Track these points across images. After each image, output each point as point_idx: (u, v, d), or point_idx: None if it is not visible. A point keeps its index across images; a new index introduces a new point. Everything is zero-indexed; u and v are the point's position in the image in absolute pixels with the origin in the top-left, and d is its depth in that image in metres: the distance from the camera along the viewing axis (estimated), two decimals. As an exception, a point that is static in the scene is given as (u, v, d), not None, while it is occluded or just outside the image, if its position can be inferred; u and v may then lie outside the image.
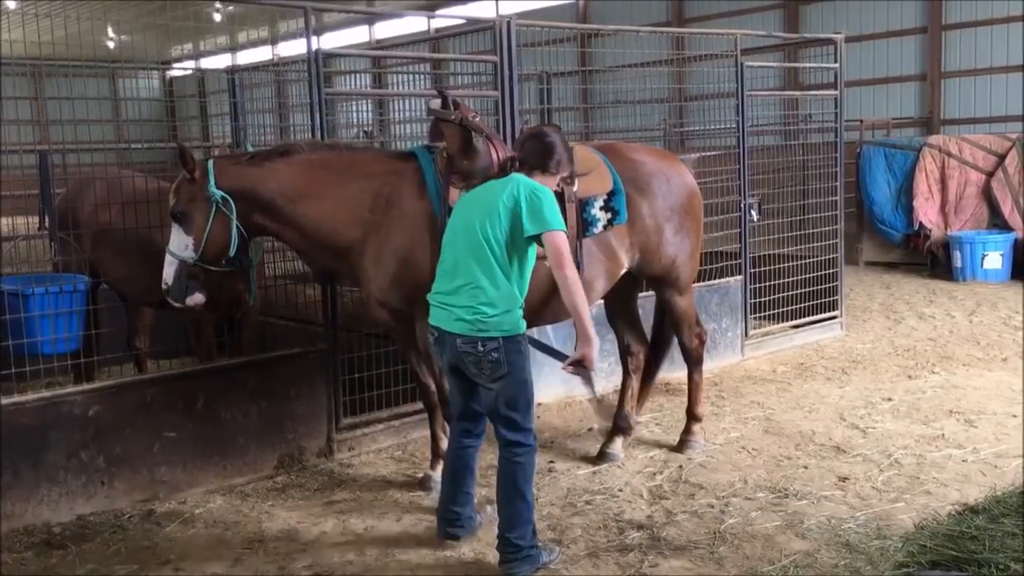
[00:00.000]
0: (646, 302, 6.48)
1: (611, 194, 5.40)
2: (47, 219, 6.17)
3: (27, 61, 6.70)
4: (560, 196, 5.18)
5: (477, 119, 5.11)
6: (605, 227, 5.37)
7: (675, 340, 6.20)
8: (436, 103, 5.23)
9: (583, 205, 5.29)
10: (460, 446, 4.60)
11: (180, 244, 4.94)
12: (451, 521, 4.64)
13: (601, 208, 5.35)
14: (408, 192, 5.01)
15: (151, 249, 5.96)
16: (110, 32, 23.13)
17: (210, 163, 4.98)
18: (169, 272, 4.96)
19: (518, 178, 4.33)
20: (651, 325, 6.34)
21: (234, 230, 4.93)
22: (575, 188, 5.23)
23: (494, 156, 4.97)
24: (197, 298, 5.00)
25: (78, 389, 5.24)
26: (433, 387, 5.32)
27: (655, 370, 6.31)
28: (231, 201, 4.89)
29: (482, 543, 4.68)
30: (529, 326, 6.28)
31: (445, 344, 4.32)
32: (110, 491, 5.23)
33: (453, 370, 4.41)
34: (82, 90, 6.26)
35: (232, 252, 4.97)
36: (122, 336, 7.00)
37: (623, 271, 5.63)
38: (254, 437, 5.71)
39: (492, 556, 4.52)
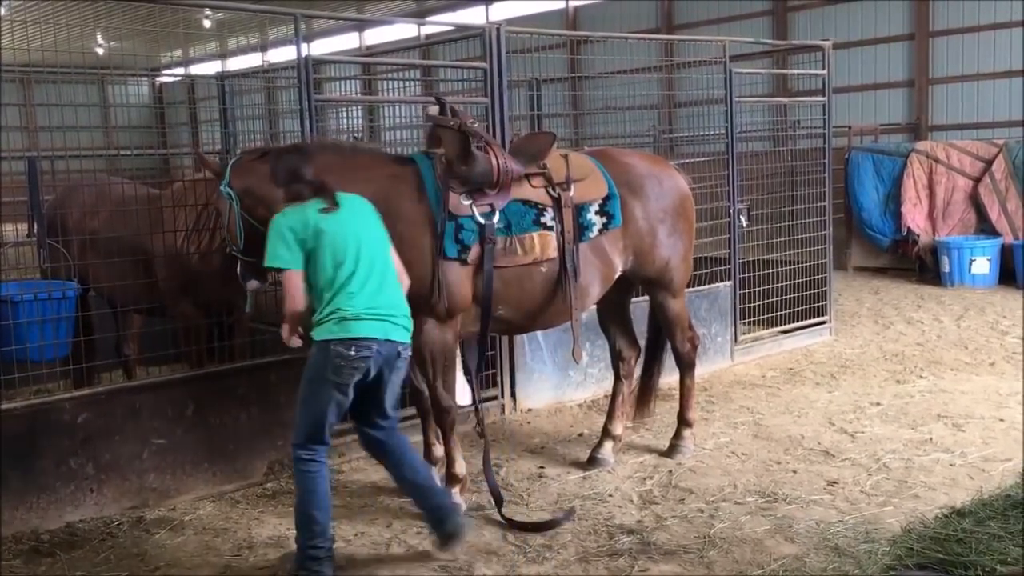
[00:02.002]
0: (637, 307, 6.50)
1: (606, 199, 5.44)
2: (35, 225, 6.16)
3: (16, 67, 6.67)
4: (557, 201, 5.23)
5: (476, 125, 5.15)
6: (600, 231, 5.41)
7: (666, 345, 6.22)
8: (434, 109, 5.25)
9: (579, 210, 5.32)
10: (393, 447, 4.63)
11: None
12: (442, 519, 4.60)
13: (596, 212, 5.39)
14: (407, 196, 5.03)
15: (140, 255, 5.96)
16: (99, 39, 23.10)
17: (231, 162, 5.15)
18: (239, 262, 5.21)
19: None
20: (646, 333, 6.34)
21: (238, 223, 4.99)
22: (571, 194, 5.27)
23: (493, 162, 5.00)
24: (252, 284, 5.15)
25: (67, 396, 5.23)
26: (426, 392, 5.33)
27: (655, 376, 6.28)
28: (234, 197, 4.99)
29: (472, 549, 4.69)
30: (526, 331, 6.35)
31: (383, 354, 4.33)
32: (99, 498, 5.21)
33: (373, 382, 4.39)
34: (71, 96, 6.25)
35: (240, 244, 5.02)
36: (111, 343, 6.97)
37: (617, 274, 5.65)
38: (244, 444, 5.70)
39: (482, 563, 4.53)
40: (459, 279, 4.96)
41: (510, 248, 5.09)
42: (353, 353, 4.26)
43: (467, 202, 4.99)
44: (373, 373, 4.34)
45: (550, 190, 5.25)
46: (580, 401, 7.32)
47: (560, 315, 5.39)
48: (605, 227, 5.42)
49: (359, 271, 4.34)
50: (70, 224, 6.42)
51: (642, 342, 6.28)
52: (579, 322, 5.36)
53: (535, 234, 5.15)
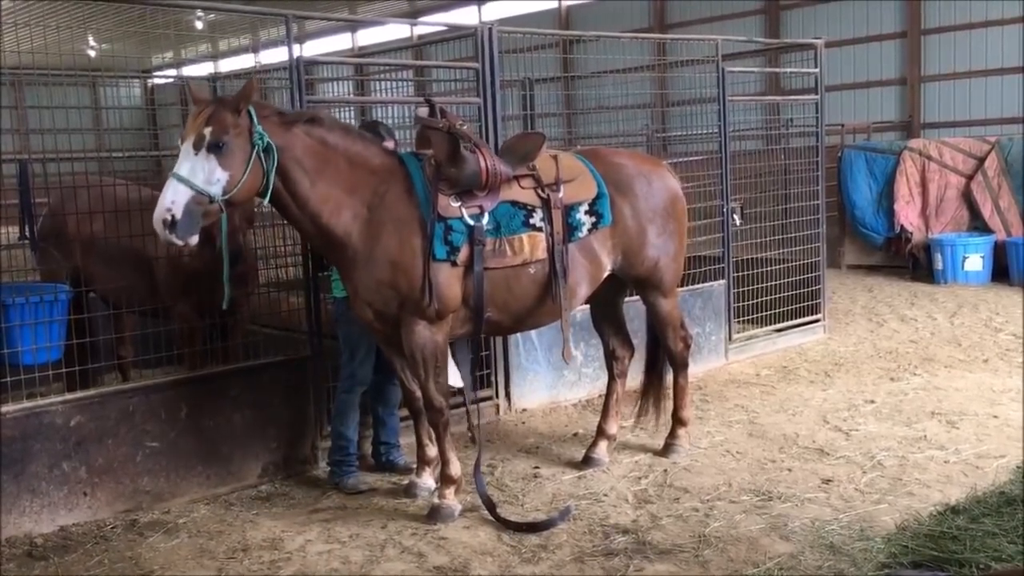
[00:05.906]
0: (631, 307, 6.49)
1: (595, 198, 5.44)
2: (27, 228, 6.13)
3: (7, 70, 6.65)
4: (546, 202, 5.22)
5: (465, 127, 5.13)
6: (589, 231, 5.41)
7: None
8: (423, 111, 5.22)
9: (568, 210, 5.32)
10: None
11: (208, 176, 4.48)
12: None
13: (586, 212, 5.39)
14: (399, 195, 5.01)
15: (142, 257, 5.92)
16: (91, 41, 23.01)
17: (251, 107, 4.67)
18: (179, 202, 4.40)
19: None
20: (645, 333, 6.32)
21: (272, 178, 4.67)
22: (561, 195, 5.27)
23: (482, 164, 4.99)
24: (195, 239, 4.57)
25: (60, 399, 5.20)
26: (418, 393, 5.32)
27: (662, 375, 6.24)
28: (274, 151, 4.67)
29: (468, 549, 4.69)
30: (513, 332, 6.33)
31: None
32: (93, 502, 5.20)
33: None
34: (63, 99, 6.23)
35: (267, 200, 4.75)
36: (103, 345, 6.94)
37: (606, 274, 5.65)
38: (238, 446, 5.69)
39: (477, 564, 4.53)
40: (448, 281, 4.96)
41: (499, 249, 5.09)
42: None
43: (456, 204, 4.99)
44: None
45: (539, 191, 5.25)
46: (575, 401, 7.32)
47: (548, 315, 5.40)
48: (594, 226, 5.42)
49: None
50: (70, 228, 6.39)
51: (636, 341, 6.27)
52: (568, 322, 5.36)
53: (524, 235, 5.15)
